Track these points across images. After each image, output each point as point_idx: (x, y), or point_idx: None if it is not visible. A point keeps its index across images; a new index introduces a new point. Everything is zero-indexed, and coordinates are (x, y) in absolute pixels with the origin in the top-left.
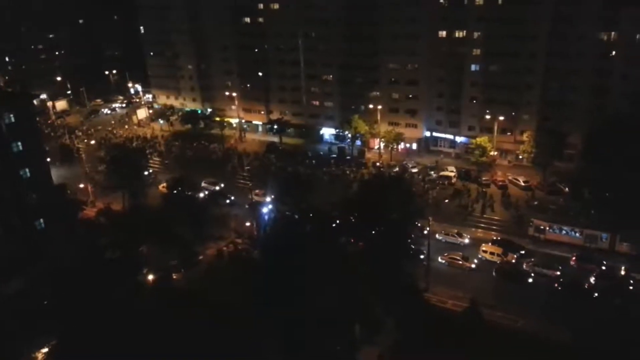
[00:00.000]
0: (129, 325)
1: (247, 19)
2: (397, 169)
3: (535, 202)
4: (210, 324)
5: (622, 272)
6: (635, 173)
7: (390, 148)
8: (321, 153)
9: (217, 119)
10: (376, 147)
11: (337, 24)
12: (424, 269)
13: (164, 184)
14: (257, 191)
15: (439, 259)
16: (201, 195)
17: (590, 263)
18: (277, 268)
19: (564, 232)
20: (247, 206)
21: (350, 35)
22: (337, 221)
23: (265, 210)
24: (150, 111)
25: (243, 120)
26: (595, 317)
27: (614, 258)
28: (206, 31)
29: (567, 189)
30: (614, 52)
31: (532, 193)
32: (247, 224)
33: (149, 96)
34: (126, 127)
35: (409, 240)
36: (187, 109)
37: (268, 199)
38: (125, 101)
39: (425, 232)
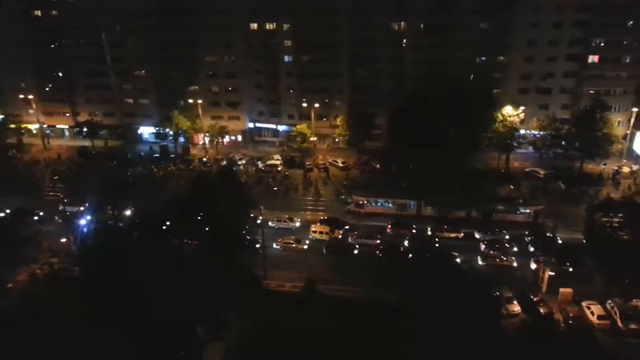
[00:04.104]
0: None
1: (39, 12)
2: (224, 162)
3: (331, 179)
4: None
5: (429, 233)
6: (430, 148)
7: (215, 142)
8: (142, 154)
9: (12, 125)
10: (201, 142)
11: (144, 15)
12: (261, 257)
13: None
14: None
15: (274, 245)
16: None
17: (403, 228)
18: (102, 282)
19: (379, 204)
20: (60, 220)
21: (161, 27)
22: (167, 223)
23: (82, 222)
24: None
25: (45, 125)
26: (411, 275)
27: (421, 221)
28: None
29: (377, 165)
30: (404, 40)
31: (327, 173)
32: (63, 240)
33: None
34: None
35: (244, 232)
36: None
37: (84, 209)
38: None
39: (258, 221)
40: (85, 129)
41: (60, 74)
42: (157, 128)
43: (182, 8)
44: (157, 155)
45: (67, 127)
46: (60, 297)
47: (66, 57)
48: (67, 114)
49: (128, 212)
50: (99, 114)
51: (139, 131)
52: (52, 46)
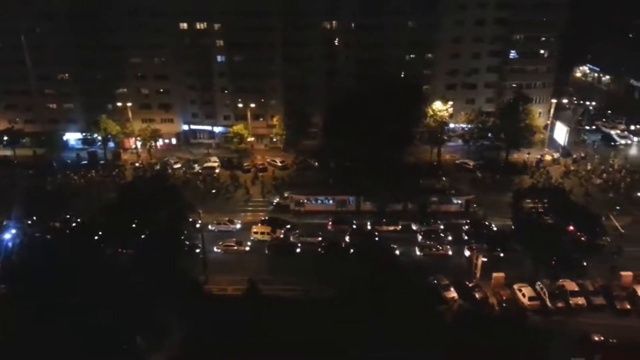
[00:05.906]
0: None
1: None
2: (158, 167)
3: (260, 179)
4: None
5: (369, 227)
6: (365, 144)
7: (148, 146)
8: (69, 161)
9: None
10: (133, 146)
11: (66, 15)
12: (201, 262)
13: None
14: None
15: (215, 249)
16: None
17: (344, 224)
18: (31, 298)
19: (319, 201)
20: None
21: (85, 28)
22: (100, 233)
23: (7, 236)
24: None
25: None
26: (353, 269)
27: (361, 217)
28: None
29: (316, 163)
30: (337, 39)
31: (256, 174)
32: None
33: None
34: None
35: (182, 237)
36: None
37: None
38: None
39: (197, 225)
40: (5, 138)
41: None
42: (83, 134)
43: (107, 8)
44: (85, 162)
45: None
46: None
47: None
48: None
49: (54, 224)
50: (20, 121)
51: (65, 138)
52: None
